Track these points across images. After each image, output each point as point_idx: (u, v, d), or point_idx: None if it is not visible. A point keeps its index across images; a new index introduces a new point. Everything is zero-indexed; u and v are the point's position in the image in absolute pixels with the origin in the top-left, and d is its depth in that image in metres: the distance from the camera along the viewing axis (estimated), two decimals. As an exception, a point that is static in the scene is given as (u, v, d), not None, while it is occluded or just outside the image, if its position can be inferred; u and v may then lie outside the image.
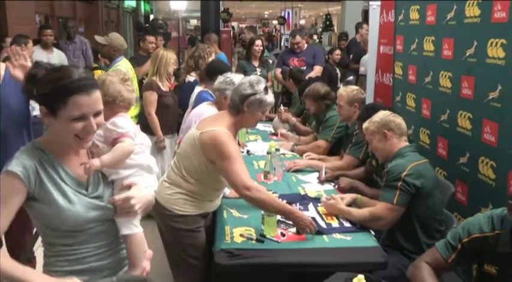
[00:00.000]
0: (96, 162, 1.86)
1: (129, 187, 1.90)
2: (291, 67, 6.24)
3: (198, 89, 4.40)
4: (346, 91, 4.11)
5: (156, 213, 2.74)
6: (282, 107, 5.40)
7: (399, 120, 3.09)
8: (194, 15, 16.03)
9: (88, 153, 1.92)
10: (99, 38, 5.24)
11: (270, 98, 2.76)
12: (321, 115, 4.60)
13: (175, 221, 2.72)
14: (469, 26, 3.56)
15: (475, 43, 3.48)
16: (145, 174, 2.03)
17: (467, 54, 3.58)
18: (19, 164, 1.68)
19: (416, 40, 4.51)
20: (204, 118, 2.97)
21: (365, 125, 3.15)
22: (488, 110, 3.30)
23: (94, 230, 1.84)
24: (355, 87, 4.20)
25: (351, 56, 8.79)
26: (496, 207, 2.38)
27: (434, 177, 3.08)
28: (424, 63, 4.35)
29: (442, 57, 3.98)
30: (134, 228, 1.92)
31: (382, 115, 3.10)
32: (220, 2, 11.48)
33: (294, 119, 5.17)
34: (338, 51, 8.46)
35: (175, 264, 2.86)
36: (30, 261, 3.06)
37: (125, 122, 2.07)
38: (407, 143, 3.07)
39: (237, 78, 3.37)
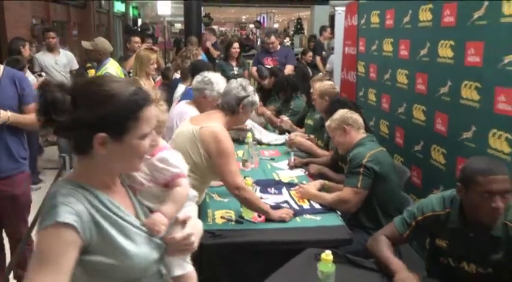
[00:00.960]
0: (161, 218, 1.41)
1: (184, 221, 1.51)
2: (269, 66, 6.24)
3: (181, 86, 4.35)
4: (319, 85, 4.10)
5: None
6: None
7: (356, 116, 3.13)
8: (178, 19, 15.85)
9: (124, 185, 1.44)
10: (85, 44, 5.09)
11: (257, 98, 2.77)
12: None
13: None
14: (423, 29, 3.59)
15: (428, 44, 3.51)
16: (189, 202, 1.67)
17: (421, 54, 3.61)
18: (69, 211, 1.17)
19: (377, 42, 4.54)
20: (197, 115, 2.91)
21: (327, 123, 3.20)
22: (440, 103, 3.34)
23: (151, 274, 1.39)
24: (329, 82, 4.18)
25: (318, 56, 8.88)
26: (446, 189, 2.42)
27: (391, 163, 3.11)
28: (384, 62, 4.37)
29: (399, 57, 4.01)
30: (188, 267, 1.57)
31: (341, 113, 3.14)
32: (202, 8, 11.35)
33: (268, 112, 5.14)
34: (310, 53, 8.55)
35: None
36: (28, 244, 3.02)
37: (177, 158, 1.64)
38: (365, 135, 3.09)
39: (215, 77, 3.33)
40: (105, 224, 1.24)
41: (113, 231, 1.25)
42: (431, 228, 2.19)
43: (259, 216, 2.64)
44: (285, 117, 4.72)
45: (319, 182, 3.14)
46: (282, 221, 2.61)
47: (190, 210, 1.63)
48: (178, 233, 1.47)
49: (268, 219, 2.61)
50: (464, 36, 3.06)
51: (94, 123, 1.19)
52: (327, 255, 1.89)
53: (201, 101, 3.32)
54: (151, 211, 1.46)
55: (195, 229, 1.51)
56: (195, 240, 1.48)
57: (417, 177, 3.70)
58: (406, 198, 3.08)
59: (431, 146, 3.49)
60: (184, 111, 3.37)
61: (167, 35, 12.82)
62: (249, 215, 2.63)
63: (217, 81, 3.30)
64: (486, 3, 2.82)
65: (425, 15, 3.56)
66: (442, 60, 3.31)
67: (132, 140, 1.24)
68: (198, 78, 3.36)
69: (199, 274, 2.64)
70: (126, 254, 1.27)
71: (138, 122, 1.23)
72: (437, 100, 3.37)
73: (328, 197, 2.90)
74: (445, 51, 3.27)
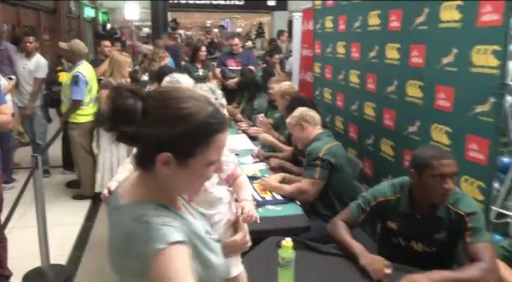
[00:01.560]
0: (250, 204, 1.38)
1: (236, 222, 1.44)
2: (232, 68, 6.25)
3: (149, 88, 4.31)
4: (278, 86, 4.13)
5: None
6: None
7: (313, 113, 3.20)
8: (146, 24, 15.61)
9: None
10: (62, 44, 5.10)
11: (225, 101, 2.76)
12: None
13: None
14: (372, 32, 3.67)
15: (377, 47, 3.59)
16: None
17: (371, 55, 3.69)
18: (177, 230, 1.00)
19: (331, 44, 4.60)
20: None
21: (287, 120, 3.25)
22: (387, 101, 3.43)
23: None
24: (287, 83, 4.21)
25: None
26: (394, 178, 2.49)
27: (346, 156, 3.17)
28: (338, 64, 4.44)
29: (351, 59, 4.08)
30: (241, 265, 1.50)
31: (299, 111, 3.21)
32: (168, 13, 11.23)
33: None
34: (277, 56, 8.64)
35: None
36: (1, 242, 2.94)
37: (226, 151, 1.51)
38: (321, 130, 3.15)
39: (182, 78, 3.30)
40: (194, 239, 1.08)
41: (202, 247, 1.10)
42: (383, 212, 2.26)
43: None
44: (261, 117, 4.71)
45: (280, 175, 3.17)
46: None
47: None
48: (239, 234, 1.42)
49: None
50: (408, 39, 3.14)
51: (162, 141, 1.01)
52: (287, 242, 1.91)
53: None
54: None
55: (246, 227, 1.44)
56: (249, 238, 1.38)
57: (369, 168, 3.79)
58: (359, 188, 3.15)
59: (381, 139, 3.57)
60: None
61: (135, 39, 12.62)
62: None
63: (184, 81, 3.27)
64: (427, 10, 2.90)
65: (374, 20, 3.64)
66: (389, 62, 3.39)
67: (197, 165, 1.04)
68: (166, 78, 3.32)
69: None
70: (213, 267, 1.12)
71: (208, 148, 1.04)
72: (385, 98, 3.46)
73: (288, 188, 2.93)
74: (392, 53, 3.36)
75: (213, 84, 2.86)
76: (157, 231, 0.97)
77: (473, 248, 1.95)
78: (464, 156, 2.61)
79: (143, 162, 1.07)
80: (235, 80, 6.04)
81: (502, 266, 1.91)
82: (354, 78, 4.04)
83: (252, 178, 3.20)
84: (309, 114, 3.16)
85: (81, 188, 5.05)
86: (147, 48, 8.88)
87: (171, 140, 1.00)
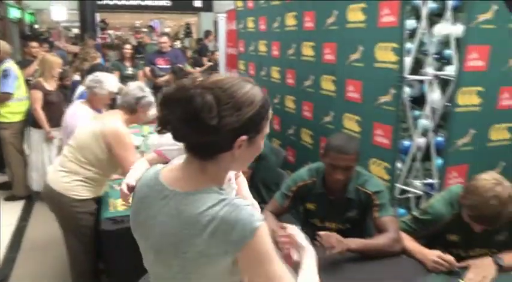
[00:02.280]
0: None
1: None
2: (161, 66, 6.09)
3: (81, 88, 4.10)
4: None
5: (52, 200, 2.49)
6: None
7: None
8: (75, 24, 14.79)
9: None
10: None
11: (153, 98, 2.68)
12: None
13: (75, 205, 2.47)
14: (289, 32, 3.74)
15: (294, 45, 3.67)
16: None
17: (289, 53, 3.77)
18: (256, 211, 0.99)
19: (253, 43, 4.64)
20: (101, 114, 2.76)
21: None
22: (305, 94, 3.53)
23: None
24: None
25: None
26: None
27: (268, 145, 3.21)
28: (260, 61, 4.49)
29: (272, 56, 4.14)
30: None
31: None
32: (96, 14, 10.70)
33: None
34: (218, 53, 8.54)
35: (72, 244, 2.58)
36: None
37: None
38: None
39: (105, 76, 3.18)
40: None
41: None
42: (303, 195, 2.31)
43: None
44: None
45: None
46: None
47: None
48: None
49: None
50: (321, 38, 3.24)
51: (241, 126, 0.96)
52: None
53: (92, 99, 3.15)
54: None
55: None
56: None
57: (292, 156, 3.89)
58: (283, 174, 3.22)
59: (301, 129, 3.68)
60: (76, 110, 3.18)
61: (63, 40, 11.92)
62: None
63: (107, 80, 3.15)
64: (336, 12, 3.01)
65: (290, 21, 3.71)
66: (305, 58, 3.48)
67: (260, 140, 1.05)
68: (89, 77, 3.20)
69: (101, 261, 2.55)
70: None
71: (267, 121, 1.05)
72: (303, 91, 3.55)
73: None
74: (308, 51, 3.45)
75: (142, 83, 2.77)
76: (248, 212, 0.96)
77: (380, 221, 2.07)
78: (372, 142, 2.75)
79: (209, 152, 1.00)
80: (166, 77, 5.91)
81: (405, 237, 2.04)
82: (275, 74, 4.10)
83: None
84: None
85: (13, 189, 4.72)
86: (71, 48, 8.37)
87: (245, 124, 0.97)
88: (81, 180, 2.47)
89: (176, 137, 0.99)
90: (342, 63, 2.97)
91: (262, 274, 0.97)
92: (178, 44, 12.92)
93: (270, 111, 1.05)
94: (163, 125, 0.99)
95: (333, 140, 2.19)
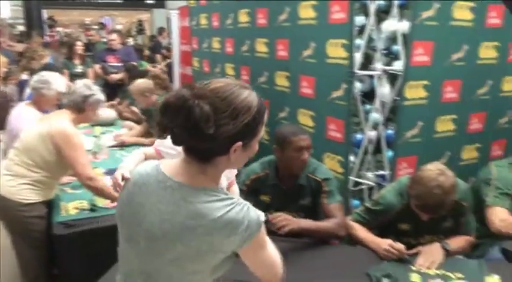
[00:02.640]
0: None
1: None
2: (112, 64, 5.92)
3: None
4: (134, 86, 3.98)
5: None
6: None
7: None
8: (20, 21, 14.09)
9: None
10: None
11: (102, 96, 2.59)
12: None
13: (22, 209, 2.34)
14: (243, 29, 3.74)
15: (248, 42, 3.68)
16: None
17: (243, 50, 3.77)
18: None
19: (207, 40, 4.60)
20: (47, 115, 2.62)
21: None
22: (260, 91, 3.50)
23: None
24: (141, 81, 4.05)
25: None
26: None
27: None
28: (214, 58, 4.47)
29: (226, 53, 4.13)
30: None
31: None
32: (43, 10, 10.25)
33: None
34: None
35: (22, 250, 2.44)
36: None
37: None
38: None
39: (52, 76, 3.04)
40: None
41: None
42: (256, 188, 2.32)
43: (112, 201, 2.53)
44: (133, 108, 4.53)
45: None
46: None
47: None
48: None
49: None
50: (274, 35, 3.27)
51: (237, 133, 1.00)
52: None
53: (39, 100, 2.98)
54: None
55: None
56: None
57: (248, 152, 3.89)
58: (240, 171, 3.21)
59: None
60: (21, 112, 2.99)
61: (7, 37, 11.32)
62: (103, 201, 2.50)
63: (54, 80, 3.01)
64: (288, 9, 3.04)
65: (243, 17, 3.71)
66: (259, 55, 3.50)
67: (255, 143, 1.08)
68: (35, 78, 3.03)
69: (54, 267, 2.45)
70: None
71: (263, 125, 1.08)
72: (258, 88, 3.51)
73: None
74: (261, 47, 3.46)
75: (89, 80, 2.66)
76: (253, 209, 1.04)
77: (328, 207, 2.15)
78: (326, 136, 2.81)
79: (206, 156, 1.05)
80: (119, 75, 5.75)
81: (358, 228, 2.10)
82: (229, 70, 4.09)
83: None
84: None
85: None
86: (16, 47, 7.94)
87: (241, 131, 1.00)
88: (29, 184, 2.36)
89: (175, 142, 1.02)
90: (295, 60, 3.01)
91: (261, 258, 1.12)
92: (131, 41, 12.61)
93: (266, 115, 1.08)
94: (163, 130, 1.02)
95: (285, 129, 2.27)
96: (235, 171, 1.83)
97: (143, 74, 5.10)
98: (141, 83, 3.98)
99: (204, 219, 1.01)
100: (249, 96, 1.03)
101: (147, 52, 8.95)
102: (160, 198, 1.06)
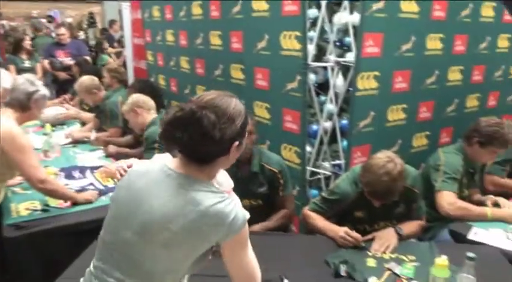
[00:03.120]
0: None
1: None
2: (61, 58, 5.69)
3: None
4: (78, 84, 3.87)
5: None
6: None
7: (146, 98, 3.05)
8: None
9: None
10: None
11: (47, 91, 2.45)
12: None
13: None
14: (196, 21, 3.68)
15: (201, 34, 3.63)
16: None
17: (197, 42, 3.71)
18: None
19: (160, 33, 4.50)
20: None
21: (123, 108, 3.08)
22: (216, 84, 3.51)
23: None
24: (85, 78, 3.92)
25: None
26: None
27: None
28: (168, 51, 4.38)
29: (180, 46, 4.06)
30: None
31: (132, 98, 3.05)
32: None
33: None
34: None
35: None
36: None
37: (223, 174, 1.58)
38: (155, 115, 3.05)
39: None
40: None
41: None
42: None
43: (66, 201, 2.44)
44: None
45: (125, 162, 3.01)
46: (89, 202, 2.45)
47: None
48: None
49: (76, 203, 2.43)
50: (228, 27, 3.24)
51: (236, 134, 1.17)
52: (443, 260, 1.64)
53: None
54: None
55: None
56: None
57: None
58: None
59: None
60: None
61: None
62: (56, 201, 2.40)
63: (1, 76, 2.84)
64: (241, 1, 3.02)
65: (196, 10, 3.65)
66: (214, 48, 3.46)
67: (244, 142, 1.24)
68: None
69: (6, 272, 2.34)
70: None
71: (249, 125, 1.27)
72: (213, 81, 3.53)
73: None
74: (215, 40, 3.43)
75: (32, 75, 2.51)
76: (239, 208, 1.18)
77: (282, 199, 2.27)
78: (282, 128, 2.83)
79: (210, 158, 1.19)
80: (75, 70, 5.49)
81: (315, 217, 2.14)
82: (184, 64, 4.03)
83: (92, 168, 2.99)
84: (142, 99, 3.04)
85: None
86: None
87: (238, 132, 1.17)
88: None
89: (183, 151, 1.18)
90: (250, 52, 2.99)
91: (240, 258, 1.24)
92: (82, 34, 12.16)
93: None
94: (173, 142, 1.16)
95: None
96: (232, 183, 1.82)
97: (96, 69, 4.93)
98: (85, 80, 3.84)
99: (197, 206, 1.13)
100: (237, 102, 1.20)
101: (106, 45, 8.58)
102: (160, 184, 1.19)
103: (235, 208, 1.16)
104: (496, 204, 2.38)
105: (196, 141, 1.13)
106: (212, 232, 1.15)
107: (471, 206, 2.27)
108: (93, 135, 3.49)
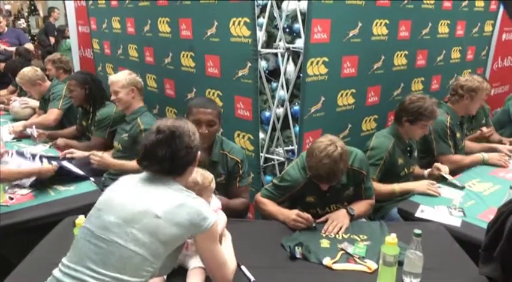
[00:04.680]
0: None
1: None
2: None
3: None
4: (19, 77, 3.68)
5: None
6: None
7: (142, 84, 2.90)
8: None
9: None
10: None
11: None
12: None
13: None
14: (143, 8, 3.56)
15: (150, 21, 3.52)
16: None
17: (145, 30, 3.60)
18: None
19: (106, 20, 4.32)
20: None
21: (116, 78, 2.79)
22: (166, 71, 3.43)
23: None
24: (26, 70, 3.73)
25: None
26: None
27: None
28: (115, 39, 4.22)
29: (127, 33, 3.92)
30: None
31: (131, 75, 2.84)
32: None
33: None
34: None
35: None
36: None
37: (215, 202, 1.82)
38: (142, 104, 2.87)
39: None
40: None
41: None
42: None
43: (11, 199, 2.31)
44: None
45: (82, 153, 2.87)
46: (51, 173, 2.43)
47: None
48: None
49: (23, 200, 2.31)
50: (176, 14, 3.16)
51: (198, 145, 1.47)
52: (81, 219, 1.76)
53: None
54: None
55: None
56: None
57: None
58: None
59: (165, 108, 3.59)
60: None
61: None
62: (1, 199, 2.28)
63: None
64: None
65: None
66: (163, 35, 3.37)
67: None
68: None
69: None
70: None
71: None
72: (164, 69, 3.45)
73: (117, 162, 2.69)
74: (164, 27, 3.34)
75: None
76: (209, 208, 1.43)
77: (238, 189, 2.21)
78: (235, 115, 2.81)
79: (182, 169, 1.45)
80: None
81: (267, 203, 2.14)
82: (132, 52, 3.90)
83: (53, 158, 2.82)
84: (140, 82, 2.87)
85: None
86: None
87: (198, 144, 1.47)
88: None
89: (163, 167, 1.39)
90: (200, 39, 2.94)
91: (211, 251, 1.42)
92: (22, 22, 11.50)
93: None
94: (154, 163, 1.39)
95: (195, 100, 2.28)
96: (218, 203, 1.82)
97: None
98: (27, 72, 3.64)
99: (171, 202, 1.33)
100: (186, 121, 1.48)
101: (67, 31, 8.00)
102: (138, 185, 1.40)
103: (206, 208, 1.39)
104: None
105: (179, 154, 1.39)
106: (188, 225, 1.33)
107: (380, 185, 2.38)
108: (34, 131, 3.29)
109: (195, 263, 1.61)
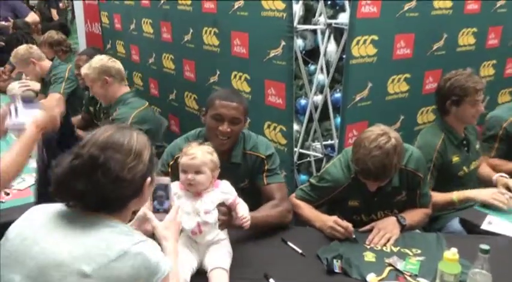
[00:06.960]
0: None
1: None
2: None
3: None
4: (13, 57, 3.79)
5: None
6: None
7: (118, 65, 2.92)
8: None
9: None
10: None
11: None
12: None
13: None
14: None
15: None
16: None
17: (162, 2, 3.65)
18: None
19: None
20: None
21: (84, 70, 2.89)
22: (185, 50, 3.47)
23: None
24: (20, 48, 3.82)
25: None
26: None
27: (155, 118, 3.11)
28: (128, 12, 4.26)
29: (141, 5, 3.97)
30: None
31: (101, 61, 2.86)
32: None
33: None
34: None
35: None
36: None
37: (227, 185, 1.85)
38: (128, 89, 2.98)
39: None
40: None
41: None
42: None
43: (7, 194, 2.40)
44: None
45: None
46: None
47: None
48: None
49: (19, 196, 2.40)
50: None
51: (146, 170, 1.23)
52: (454, 254, 1.69)
53: None
54: None
55: None
56: None
57: (175, 125, 3.85)
58: (163, 148, 3.16)
59: (184, 93, 3.64)
60: None
61: None
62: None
63: None
64: None
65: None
66: (182, 8, 3.40)
67: (154, 176, 1.32)
68: None
69: None
70: None
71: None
72: (183, 47, 3.49)
73: None
74: (147, 28, 3.40)
75: None
76: (158, 256, 1.23)
77: (269, 188, 2.12)
78: (265, 102, 2.83)
79: (120, 204, 1.22)
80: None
81: (303, 206, 2.15)
82: (147, 27, 3.96)
83: None
84: (114, 66, 2.87)
85: None
86: None
87: (147, 169, 1.23)
88: None
89: (88, 202, 1.17)
90: (225, 13, 2.96)
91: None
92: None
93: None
94: (71, 198, 1.17)
95: (218, 91, 2.23)
96: (233, 190, 1.83)
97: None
98: (20, 50, 3.74)
99: (106, 252, 1.11)
100: (138, 134, 1.24)
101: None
102: (57, 226, 1.17)
103: (160, 254, 1.21)
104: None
105: (106, 188, 1.15)
106: (131, 277, 1.12)
107: (435, 194, 2.31)
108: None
109: (214, 262, 1.65)
